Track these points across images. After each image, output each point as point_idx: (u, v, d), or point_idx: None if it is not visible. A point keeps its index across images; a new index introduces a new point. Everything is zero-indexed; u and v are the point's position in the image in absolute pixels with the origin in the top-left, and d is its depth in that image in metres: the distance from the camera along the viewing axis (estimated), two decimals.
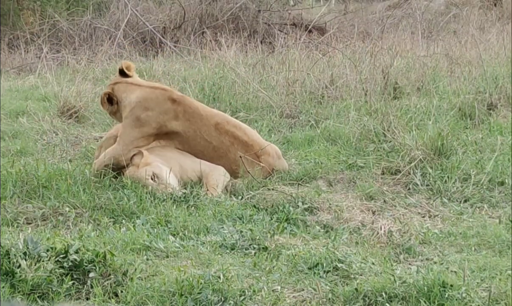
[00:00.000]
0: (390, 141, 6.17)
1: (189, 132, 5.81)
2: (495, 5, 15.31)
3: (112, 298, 3.74)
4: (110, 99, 5.89)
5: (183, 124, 5.82)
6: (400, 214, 5.00)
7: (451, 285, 3.69)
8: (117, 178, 5.56)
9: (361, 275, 3.97)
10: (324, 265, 4.07)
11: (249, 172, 5.62)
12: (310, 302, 3.74)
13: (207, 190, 5.44)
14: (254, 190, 5.39)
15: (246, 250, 4.37)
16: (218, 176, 5.60)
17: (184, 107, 5.86)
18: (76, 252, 3.88)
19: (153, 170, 5.48)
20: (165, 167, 5.53)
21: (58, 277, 3.76)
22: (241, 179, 5.65)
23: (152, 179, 5.43)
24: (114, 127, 6.27)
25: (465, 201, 5.27)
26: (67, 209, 4.91)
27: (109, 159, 5.68)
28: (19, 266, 3.74)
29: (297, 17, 13.35)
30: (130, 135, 5.76)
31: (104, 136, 6.42)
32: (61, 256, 3.85)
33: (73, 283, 3.78)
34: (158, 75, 9.23)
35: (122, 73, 5.96)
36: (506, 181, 5.51)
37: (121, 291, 3.76)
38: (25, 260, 3.76)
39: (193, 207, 5.08)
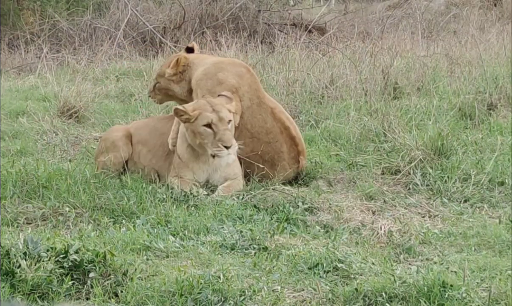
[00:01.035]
0: (390, 141, 6.16)
1: (253, 106, 5.73)
2: (495, 5, 15.31)
3: (112, 298, 3.74)
4: (177, 64, 5.84)
5: (251, 95, 5.75)
6: (400, 214, 5.00)
7: (451, 285, 3.69)
8: (115, 178, 5.56)
9: (361, 275, 3.97)
10: (324, 265, 4.07)
11: (249, 173, 5.61)
12: (310, 302, 3.74)
13: (222, 187, 5.43)
14: (254, 190, 5.39)
15: (246, 250, 4.37)
16: (236, 187, 5.51)
17: (254, 79, 5.87)
18: (76, 252, 3.88)
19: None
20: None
21: (58, 277, 3.76)
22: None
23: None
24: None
25: (465, 201, 5.26)
26: (67, 209, 4.91)
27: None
28: (19, 266, 3.74)
29: (297, 17, 13.35)
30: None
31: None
32: (61, 256, 3.85)
33: (73, 283, 3.78)
34: None
35: (189, 51, 6.04)
36: (506, 181, 5.51)
37: (121, 291, 3.76)
38: (25, 260, 3.76)
39: (193, 207, 5.08)
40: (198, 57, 5.97)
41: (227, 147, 5.33)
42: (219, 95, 5.55)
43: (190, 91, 5.84)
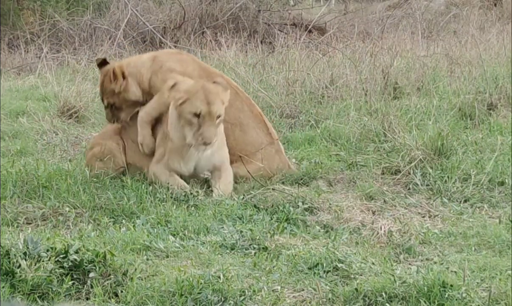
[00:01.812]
0: (390, 141, 6.16)
1: (206, 80, 5.62)
2: (495, 5, 15.32)
3: (112, 298, 3.74)
4: (115, 76, 5.66)
5: (199, 72, 5.72)
6: (400, 214, 4.99)
7: (451, 285, 3.69)
8: (115, 178, 5.56)
9: (361, 275, 3.97)
10: (324, 265, 4.06)
11: (248, 172, 5.62)
12: (310, 302, 3.74)
13: (219, 185, 5.37)
14: (254, 189, 5.39)
15: (246, 250, 4.37)
16: (229, 178, 5.47)
17: (191, 57, 5.93)
18: (76, 252, 3.88)
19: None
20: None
21: (58, 277, 3.76)
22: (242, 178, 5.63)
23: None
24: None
25: (465, 201, 5.26)
26: (67, 209, 4.92)
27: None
28: (19, 266, 3.74)
29: (297, 17, 13.36)
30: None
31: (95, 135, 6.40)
32: (61, 256, 3.85)
33: (73, 283, 3.78)
34: None
35: (104, 63, 5.84)
36: (506, 181, 5.50)
37: (121, 291, 3.76)
38: (25, 260, 3.76)
39: (193, 207, 5.08)
40: (128, 61, 5.85)
41: (205, 144, 5.18)
42: (214, 82, 5.34)
43: (143, 91, 5.69)
